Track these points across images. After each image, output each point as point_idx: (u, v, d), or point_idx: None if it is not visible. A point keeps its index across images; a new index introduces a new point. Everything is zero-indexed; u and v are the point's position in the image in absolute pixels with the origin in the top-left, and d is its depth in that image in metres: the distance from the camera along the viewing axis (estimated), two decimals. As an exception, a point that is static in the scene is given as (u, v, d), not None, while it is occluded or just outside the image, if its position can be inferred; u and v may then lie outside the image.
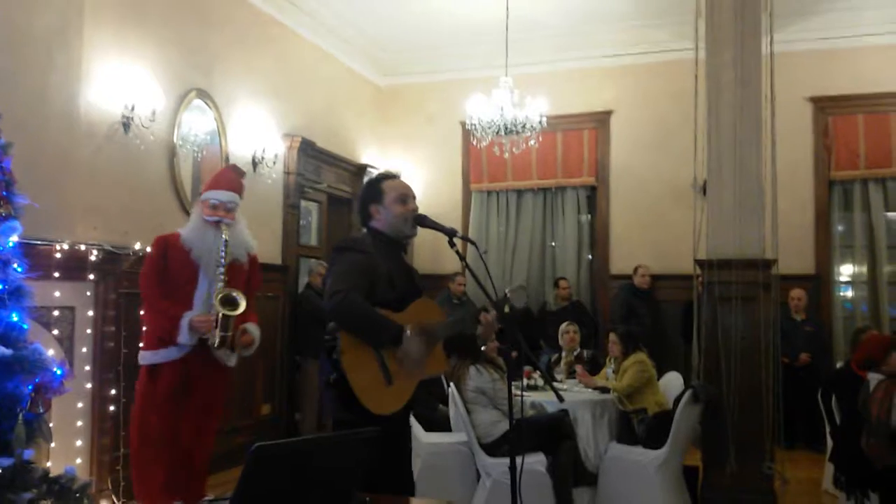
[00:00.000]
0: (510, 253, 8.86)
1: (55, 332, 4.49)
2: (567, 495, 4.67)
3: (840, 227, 8.04)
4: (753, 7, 5.13)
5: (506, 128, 7.00)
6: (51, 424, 3.76)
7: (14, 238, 2.78)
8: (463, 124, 8.16)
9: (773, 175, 5.05)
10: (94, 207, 5.00)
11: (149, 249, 4.09)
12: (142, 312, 4.65)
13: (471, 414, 4.76)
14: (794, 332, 7.20)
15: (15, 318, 2.59)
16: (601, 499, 4.93)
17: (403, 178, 3.17)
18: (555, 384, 5.28)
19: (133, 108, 5.23)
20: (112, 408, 4.86)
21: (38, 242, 4.18)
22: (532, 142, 7.19)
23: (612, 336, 5.65)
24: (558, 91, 8.06)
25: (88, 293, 4.80)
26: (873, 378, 4.53)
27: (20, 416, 2.49)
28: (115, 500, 4.82)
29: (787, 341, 6.64)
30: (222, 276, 3.89)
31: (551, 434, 4.73)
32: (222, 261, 3.90)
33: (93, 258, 4.73)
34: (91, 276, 4.75)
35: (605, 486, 4.93)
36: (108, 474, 4.84)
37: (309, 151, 7.54)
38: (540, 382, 5.47)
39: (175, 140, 5.77)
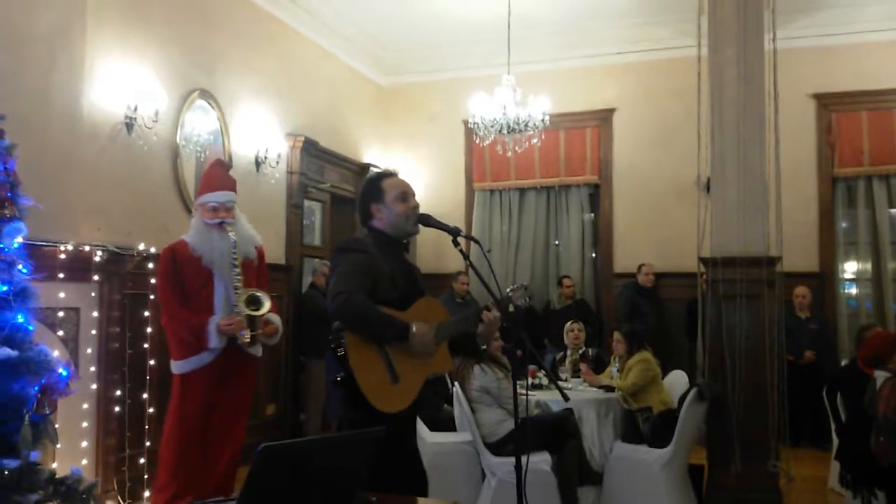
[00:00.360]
0: (514, 252, 8.85)
1: (60, 333, 4.50)
2: (572, 494, 4.67)
3: (844, 224, 8.03)
4: (756, 3, 5.11)
5: (508, 126, 7.00)
6: (56, 426, 3.79)
7: (19, 239, 2.78)
8: (465, 123, 8.16)
9: (776, 172, 5.04)
10: (97, 208, 5.01)
11: (151, 249, 4.12)
12: (146, 314, 4.68)
13: (475, 413, 4.76)
14: (799, 329, 7.18)
15: (21, 319, 2.59)
16: (606, 498, 4.93)
17: (406, 178, 3.16)
18: (559, 383, 5.27)
19: (136, 109, 5.23)
20: (117, 409, 4.86)
21: (43, 244, 4.18)
22: (535, 140, 7.18)
23: (617, 335, 5.64)
24: (561, 89, 8.05)
25: (93, 294, 4.80)
26: (880, 376, 4.52)
27: (26, 418, 2.50)
28: (121, 501, 4.82)
29: (791, 339, 6.62)
30: (238, 277, 3.93)
31: (556, 433, 4.73)
32: (235, 261, 3.93)
33: (97, 259, 4.73)
34: (95, 277, 4.76)
35: (611, 485, 4.93)
36: (113, 475, 4.84)
37: (312, 151, 7.54)
38: (545, 381, 5.47)
39: (178, 140, 5.77)
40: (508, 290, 2.95)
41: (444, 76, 9.03)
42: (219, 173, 4.22)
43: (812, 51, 7.75)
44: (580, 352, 6.14)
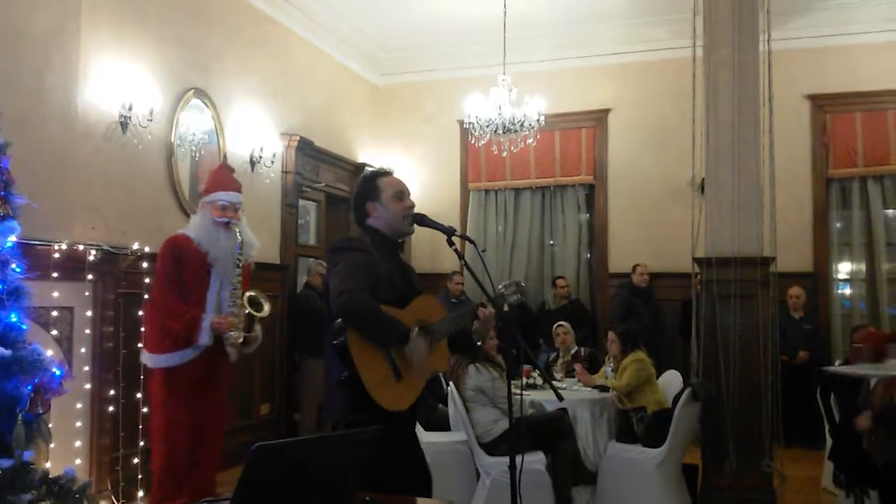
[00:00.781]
0: (509, 252, 8.85)
1: (54, 332, 4.48)
2: (566, 494, 4.68)
3: (838, 225, 8.05)
4: (751, 4, 5.12)
5: (504, 126, 7.00)
6: (50, 425, 3.77)
7: (13, 238, 2.77)
8: (461, 123, 8.16)
9: (771, 173, 5.05)
10: (92, 207, 4.99)
11: (146, 249, 4.12)
12: (140, 313, 4.67)
13: (470, 413, 4.76)
14: (793, 330, 7.20)
15: (14, 318, 2.58)
16: (601, 497, 4.93)
17: (401, 178, 3.15)
18: (554, 383, 5.28)
19: (131, 108, 5.22)
20: (111, 408, 4.85)
21: (37, 243, 4.17)
22: (530, 140, 7.18)
23: (611, 334, 5.65)
24: (556, 89, 8.06)
25: (87, 293, 4.78)
26: (870, 372, 4.54)
27: (19, 417, 2.49)
28: (115, 501, 4.81)
29: (785, 339, 6.65)
30: (239, 278, 3.94)
31: (550, 433, 4.73)
32: (238, 262, 3.95)
33: (91, 258, 4.71)
34: (89, 277, 4.74)
35: (605, 484, 4.93)
36: (107, 475, 4.83)
37: (307, 151, 7.53)
38: (539, 381, 5.48)
39: (173, 139, 5.76)
40: (501, 286, 2.96)
41: (439, 76, 9.03)
42: (228, 175, 4.28)
43: (806, 52, 7.77)
44: (573, 352, 6.15)
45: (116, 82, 5.16)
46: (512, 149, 7.33)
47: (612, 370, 5.51)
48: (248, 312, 3.92)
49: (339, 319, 2.65)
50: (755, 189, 4.98)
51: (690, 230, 5.17)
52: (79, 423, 4.63)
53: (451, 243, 2.86)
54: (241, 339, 3.91)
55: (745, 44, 5.07)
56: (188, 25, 6.01)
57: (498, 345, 4.95)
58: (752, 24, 5.11)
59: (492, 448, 4.65)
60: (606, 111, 8.60)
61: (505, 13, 7.11)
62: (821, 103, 7.94)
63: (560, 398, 2.89)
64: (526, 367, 5.40)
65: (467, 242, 3.00)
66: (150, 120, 5.39)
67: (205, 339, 3.85)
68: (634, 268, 7.99)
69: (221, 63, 6.42)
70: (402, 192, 3.00)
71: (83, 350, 4.73)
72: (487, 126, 7.03)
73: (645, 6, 7.83)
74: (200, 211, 4.18)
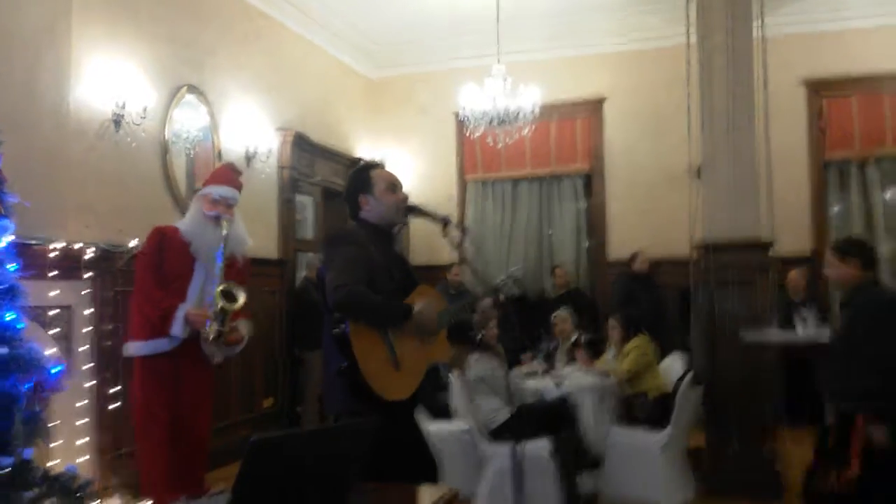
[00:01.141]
0: (507, 242, 8.85)
1: (54, 330, 4.47)
2: (571, 480, 4.68)
3: (836, 208, 8.04)
4: (744, -10, 5.11)
5: (499, 117, 6.98)
6: (53, 423, 3.77)
7: (9, 237, 2.76)
8: (456, 115, 8.13)
9: (767, 158, 5.04)
10: (87, 206, 4.98)
11: (137, 241, 4.07)
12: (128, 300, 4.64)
13: (472, 402, 4.76)
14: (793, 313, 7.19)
15: (10, 317, 2.58)
16: (606, 482, 4.94)
17: (398, 171, 3.16)
18: (555, 371, 5.28)
19: (124, 106, 5.19)
20: (112, 405, 4.85)
21: (33, 242, 4.16)
22: (525, 131, 7.17)
23: (612, 321, 5.65)
24: (551, 79, 8.03)
25: (84, 292, 4.77)
26: None
27: (18, 415, 2.48)
28: (118, 498, 4.81)
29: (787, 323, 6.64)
30: (221, 272, 3.90)
31: (553, 420, 4.73)
32: (221, 255, 3.91)
33: (87, 257, 4.71)
34: (86, 275, 4.73)
35: (610, 469, 4.94)
36: (110, 471, 4.84)
37: (302, 145, 7.52)
38: (539, 369, 5.48)
39: (167, 137, 5.74)
40: (499, 279, 2.96)
41: (433, 68, 9.00)
42: (227, 172, 4.24)
43: (801, 37, 7.75)
44: (573, 339, 6.14)
45: (109, 80, 5.13)
46: (507, 140, 7.31)
47: (614, 356, 5.52)
48: (221, 306, 3.80)
49: (338, 314, 2.66)
50: (751, 174, 4.98)
51: (688, 216, 5.16)
52: (81, 421, 4.63)
53: (446, 233, 2.86)
54: (212, 336, 3.79)
55: (739, 29, 5.06)
56: (180, 22, 5.98)
57: (498, 334, 4.95)
58: (745, 10, 5.10)
59: (494, 436, 4.65)
60: (602, 100, 8.58)
61: (498, 4, 7.08)
62: (817, 88, 7.93)
63: (559, 385, 2.90)
64: (526, 355, 5.41)
65: (466, 233, 3.01)
66: (144, 117, 5.36)
67: (177, 329, 3.76)
68: (634, 255, 7.97)
69: (215, 59, 6.40)
70: (394, 184, 3.00)
71: (82, 348, 4.73)
72: (482, 117, 7.01)
73: (638, -6, 7.80)
74: (193, 204, 4.17)
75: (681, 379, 4.86)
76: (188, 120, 6.06)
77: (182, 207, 5.68)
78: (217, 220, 3.96)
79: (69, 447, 4.41)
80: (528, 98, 6.99)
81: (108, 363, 4.88)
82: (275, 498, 1.66)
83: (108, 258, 4.91)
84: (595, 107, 8.61)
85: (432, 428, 4.98)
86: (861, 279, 3.57)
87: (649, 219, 8.21)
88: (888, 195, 7.83)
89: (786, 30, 7.20)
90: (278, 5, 7.30)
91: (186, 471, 3.89)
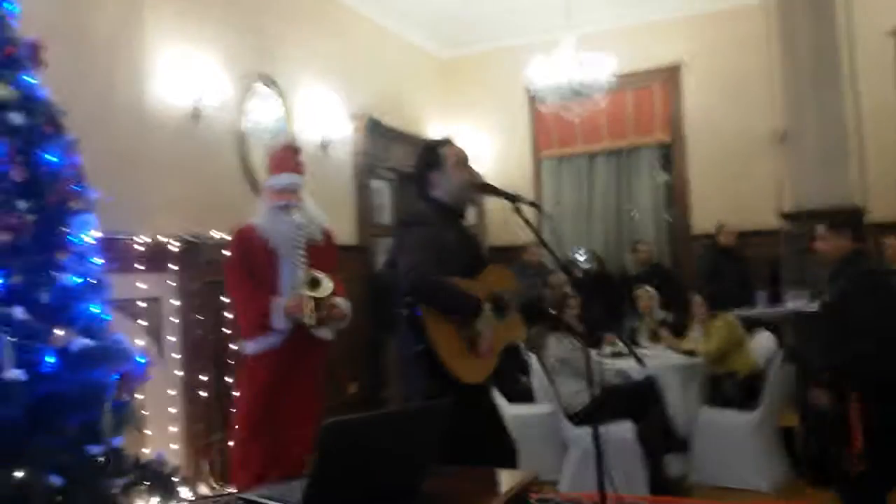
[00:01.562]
0: (585, 219, 8.69)
1: (143, 322, 4.63)
2: (658, 462, 4.57)
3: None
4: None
5: (573, 90, 6.83)
6: (145, 412, 3.90)
7: (92, 232, 2.85)
8: (528, 90, 8.00)
9: (857, 117, 4.76)
10: (170, 199, 5.11)
11: (220, 239, 4.14)
12: (224, 300, 4.75)
13: (554, 384, 4.69)
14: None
15: (96, 309, 2.66)
16: (694, 464, 4.81)
17: (471, 151, 3.10)
18: (639, 350, 5.15)
19: (201, 99, 5.31)
20: (203, 394, 4.99)
21: (119, 237, 4.30)
22: (601, 103, 6.99)
23: (697, 298, 5.47)
24: (624, 47, 7.80)
25: (172, 283, 4.92)
26: None
27: (108, 405, 2.57)
28: (210, 484, 4.96)
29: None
30: (303, 259, 3.94)
31: (638, 401, 4.63)
32: (299, 243, 3.94)
33: (173, 249, 4.84)
34: (173, 267, 4.87)
35: (699, 451, 4.81)
36: (202, 459, 4.98)
37: (376, 131, 7.54)
38: (623, 349, 5.35)
39: (244, 127, 5.84)
40: (573, 254, 2.89)
41: (503, 44, 8.88)
42: (283, 155, 4.20)
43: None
44: (660, 318, 5.98)
45: (184, 74, 5.23)
46: (582, 113, 7.15)
47: (700, 335, 5.35)
48: (311, 296, 3.83)
49: (409, 297, 2.65)
50: (841, 135, 4.71)
51: (774, 184, 4.93)
52: (172, 410, 4.79)
53: (517, 210, 2.79)
54: (313, 322, 3.84)
55: (822, -18, 4.78)
56: (249, 11, 6.04)
57: (580, 314, 4.86)
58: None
59: (578, 419, 4.58)
60: (678, 66, 8.28)
61: (567, -26, 6.91)
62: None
63: (642, 364, 2.81)
64: (608, 334, 5.28)
65: (535, 208, 2.92)
66: (221, 109, 5.47)
67: (279, 322, 3.85)
68: (719, 227, 7.68)
69: (286, 48, 6.47)
70: (464, 160, 2.95)
71: (172, 338, 4.87)
72: (556, 91, 6.88)
73: (714, -47, 7.47)
74: (263, 198, 4.21)
75: (773, 357, 4.66)
76: (263, 110, 6.14)
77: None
78: (287, 208, 3.99)
79: (162, 435, 4.56)
80: (602, 69, 6.81)
81: (198, 353, 5.02)
82: (351, 481, 1.66)
83: (192, 250, 5.03)
84: (672, 74, 8.33)
85: (513, 411, 4.96)
86: (850, 251, 3.56)
87: (733, 189, 7.88)
88: None
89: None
90: (346, -10, 7.32)
91: (284, 455, 3.94)
